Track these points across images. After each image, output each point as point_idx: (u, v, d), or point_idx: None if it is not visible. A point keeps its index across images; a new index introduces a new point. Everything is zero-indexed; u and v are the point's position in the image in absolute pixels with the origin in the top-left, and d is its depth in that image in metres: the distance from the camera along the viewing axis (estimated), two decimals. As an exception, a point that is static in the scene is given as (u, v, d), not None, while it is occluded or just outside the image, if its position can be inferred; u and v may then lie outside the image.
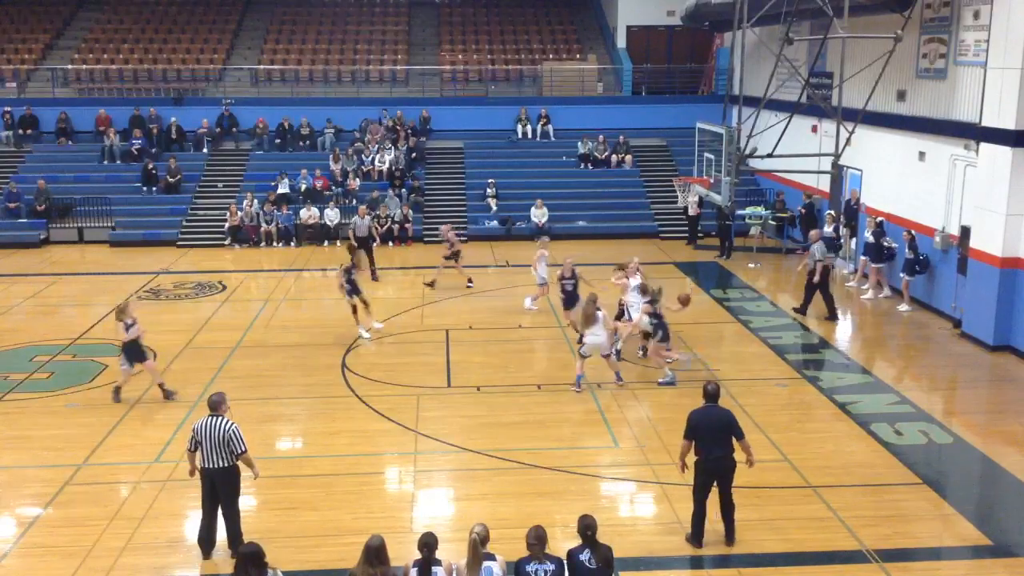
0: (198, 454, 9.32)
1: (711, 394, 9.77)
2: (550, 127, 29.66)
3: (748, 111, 17.87)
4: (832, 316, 17.78)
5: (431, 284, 20.42)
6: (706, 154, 20.69)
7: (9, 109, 28.37)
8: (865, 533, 9.84)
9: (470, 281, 20.60)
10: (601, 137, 28.89)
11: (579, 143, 28.75)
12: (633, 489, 11.14)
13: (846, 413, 13.20)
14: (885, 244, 19.03)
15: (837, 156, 17.39)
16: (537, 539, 7.31)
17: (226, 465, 9.25)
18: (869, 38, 17.63)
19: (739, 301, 19.34)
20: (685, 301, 15.21)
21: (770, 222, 24.72)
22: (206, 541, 9.43)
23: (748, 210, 24.45)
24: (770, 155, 17.53)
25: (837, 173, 19.77)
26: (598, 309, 13.81)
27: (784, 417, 13.12)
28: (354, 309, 16.96)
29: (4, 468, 11.58)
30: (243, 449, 9.30)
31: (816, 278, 17.56)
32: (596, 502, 10.71)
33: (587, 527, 7.50)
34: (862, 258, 19.89)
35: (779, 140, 17.64)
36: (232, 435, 9.22)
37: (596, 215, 26.53)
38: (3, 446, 12.26)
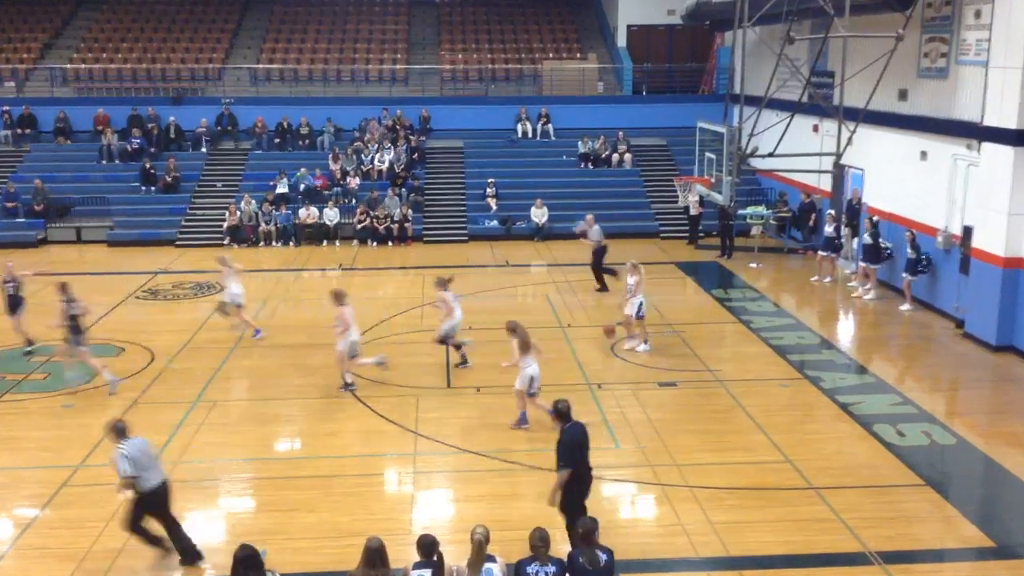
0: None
1: (568, 411, 9.19)
2: (550, 126, 29.60)
3: (749, 110, 17.81)
4: (602, 288, 19.88)
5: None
6: (707, 153, 20.62)
7: (7, 108, 28.30)
8: (867, 534, 9.77)
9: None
10: (601, 137, 28.83)
11: (579, 142, 28.68)
12: (634, 490, 11.07)
13: (848, 414, 13.13)
14: (882, 244, 19.00)
15: (838, 156, 17.34)
16: (542, 540, 7.26)
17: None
18: (870, 37, 17.56)
19: (740, 301, 19.27)
20: (609, 332, 15.98)
21: (771, 222, 24.65)
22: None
23: (749, 210, 24.37)
24: (771, 155, 17.47)
25: (839, 173, 19.72)
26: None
27: (786, 418, 13.04)
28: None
29: (1, 469, 11.51)
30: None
31: (593, 257, 19.82)
32: (596, 503, 10.59)
33: (588, 529, 7.43)
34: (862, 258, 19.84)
35: (780, 139, 17.57)
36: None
37: (596, 215, 26.28)
38: (0, 447, 12.18)
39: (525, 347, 12.43)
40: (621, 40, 32.30)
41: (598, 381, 14.45)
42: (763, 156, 17.61)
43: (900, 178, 19.49)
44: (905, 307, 18.32)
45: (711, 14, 27.45)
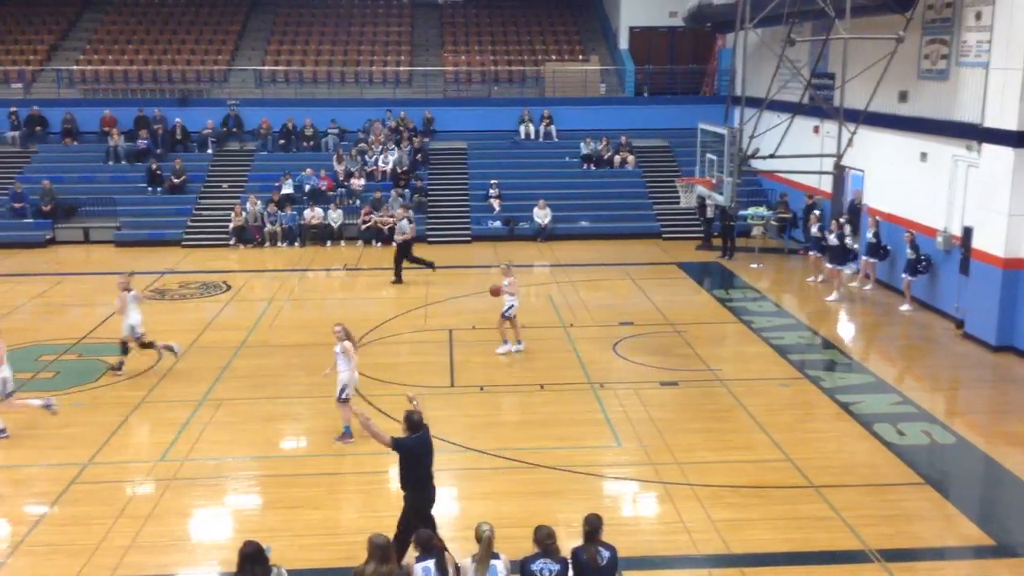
0: None
1: (418, 423, 9.13)
2: (553, 128, 29.71)
3: (750, 112, 17.90)
4: (397, 280, 21.03)
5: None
6: (708, 155, 20.69)
7: (15, 110, 28.44)
8: (868, 533, 9.88)
9: None
10: (604, 138, 28.94)
11: (582, 144, 28.79)
12: (636, 489, 11.19)
13: (848, 413, 13.23)
14: (849, 246, 19.46)
15: (839, 157, 17.42)
16: (549, 537, 7.33)
17: None
18: (871, 39, 17.65)
19: (741, 301, 19.38)
20: (495, 292, 16.14)
21: (772, 223, 24.75)
22: None
23: (750, 211, 24.46)
24: (772, 156, 17.56)
25: (839, 174, 19.81)
26: (347, 339, 12.34)
27: (786, 417, 13.15)
28: None
29: (11, 466, 11.64)
30: None
31: (398, 250, 21.12)
32: (599, 501, 10.76)
33: (592, 526, 7.52)
34: (864, 259, 19.95)
35: (781, 141, 17.66)
36: None
37: (599, 215, 26.58)
38: (10, 444, 12.31)
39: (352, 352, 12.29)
40: (623, 42, 32.40)
41: (600, 380, 14.57)
42: (764, 157, 17.70)
43: (901, 179, 19.60)
44: (905, 307, 18.42)
45: (712, 16, 27.53)
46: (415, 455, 8.97)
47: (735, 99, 20.52)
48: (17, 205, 25.54)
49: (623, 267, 22.50)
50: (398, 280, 21.02)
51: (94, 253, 24.62)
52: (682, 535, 9.89)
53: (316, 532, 9.98)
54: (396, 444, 8.94)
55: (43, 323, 18.19)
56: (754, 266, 22.50)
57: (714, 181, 20.07)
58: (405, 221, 21.34)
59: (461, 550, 8.57)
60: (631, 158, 28.71)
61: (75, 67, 30.52)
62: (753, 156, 17.89)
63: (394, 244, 21.74)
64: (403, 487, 9.07)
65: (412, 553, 7.55)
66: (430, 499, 9.09)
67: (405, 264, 21.23)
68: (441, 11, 35.50)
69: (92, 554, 9.50)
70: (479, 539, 7.48)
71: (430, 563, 7.35)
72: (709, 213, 24.55)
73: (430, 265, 21.46)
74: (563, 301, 19.40)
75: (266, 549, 7.42)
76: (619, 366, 15.41)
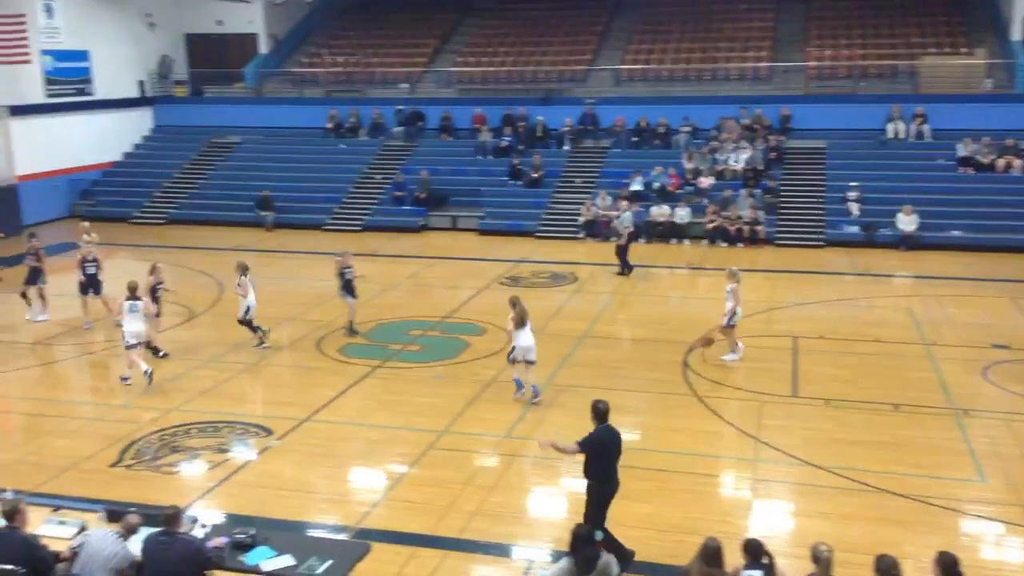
0: None
1: (605, 413, 9.10)
2: (926, 127, 27.21)
3: None
4: (622, 272, 21.39)
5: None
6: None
7: (402, 108, 31.88)
8: None
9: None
10: (986, 139, 25.96)
11: (959, 145, 26.07)
12: (1000, 531, 9.94)
13: None
14: None
15: None
16: (894, 568, 6.78)
17: None
18: None
19: None
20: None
21: None
22: None
23: None
24: None
25: None
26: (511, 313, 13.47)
27: None
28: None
29: (381, 427, 13.04)
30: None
31: (623, 242, 21.38)
32: (954, 539, 9.72)
33: (952, 563, 6.82)
34: None
35: None
36: None
37: (974, 224, 23.91)
38: (381, 407, 13.82)
39: (521, 322, 13.36)
40: (1016, 33, 28.77)
41: (965, 407, 13.13)
42: None
43: None
44: None
45: None
46: (603, 448, 9.02)
47: None
48: (398, 194, 28.60)
49: (1002, 283, 20.07)
50: (623, 272, 21.41)
51: (460, 240, 26.86)
52: (1057, 592, 8.65)
53: (644, 526, 10.02)
54: (582, 445, 9.06)
55: (414, 300, 20.18)
56: None
57: None
58: (628, 214, 21.74)
59: (792, 568, 8.17)
60: (1019, 162, 25.47)
61: (452, 69, 33.44)
62: None
63: (614, 241, 22.07)
64: (586, 476, 9.14)
65: (740, 560, 7.37)
66: (612, 492, 9.10)
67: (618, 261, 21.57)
68: (808, 3, 33.91)
69: (443, 515, 10.35)
70: (816, 560, 7.13)
71: (758, 573, 7.13)
72: None
73: (628, 269, 21.46)
74: (926, 316, 17.74)
75: (596, 535, 7.64)
76: (989, 393, 13.78)
